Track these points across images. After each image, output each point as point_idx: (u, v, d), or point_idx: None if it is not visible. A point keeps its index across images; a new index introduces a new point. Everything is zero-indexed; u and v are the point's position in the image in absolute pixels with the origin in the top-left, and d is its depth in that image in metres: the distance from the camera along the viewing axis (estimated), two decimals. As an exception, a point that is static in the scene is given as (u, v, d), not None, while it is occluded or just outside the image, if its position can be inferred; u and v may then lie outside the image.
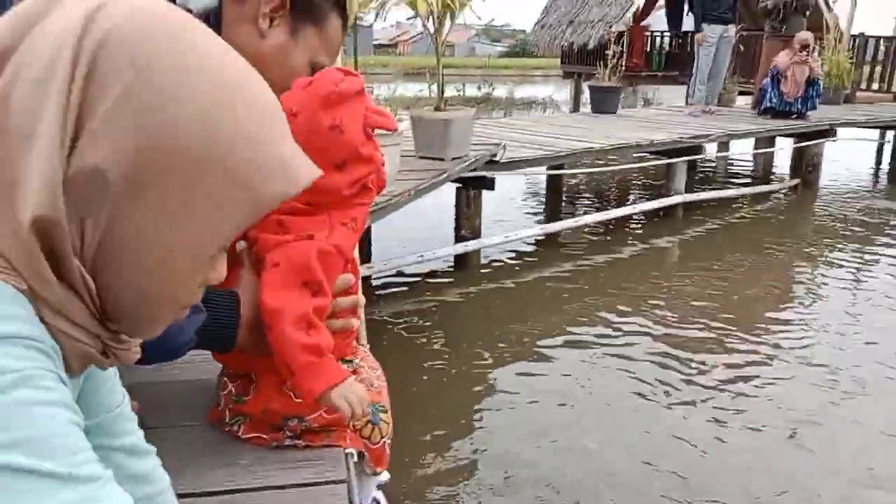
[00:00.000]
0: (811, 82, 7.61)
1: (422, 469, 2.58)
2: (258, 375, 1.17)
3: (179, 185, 0.48)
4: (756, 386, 3.25)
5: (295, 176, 0.53)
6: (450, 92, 15.15)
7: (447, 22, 3.91)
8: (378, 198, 3.23)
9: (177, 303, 0.56)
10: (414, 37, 47.51)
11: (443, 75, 4.20)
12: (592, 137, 5.97)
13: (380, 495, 1.34)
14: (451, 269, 4.84)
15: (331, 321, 1.15)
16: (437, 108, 4.15)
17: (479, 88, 17.33)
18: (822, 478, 2.55)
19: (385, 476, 1.31)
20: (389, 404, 1.28)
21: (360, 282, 1.27)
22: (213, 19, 1.17)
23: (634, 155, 6.61)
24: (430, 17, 3.77)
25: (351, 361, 1.25)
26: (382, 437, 1.22)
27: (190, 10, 1.17)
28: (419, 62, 30.74)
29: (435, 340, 3.74)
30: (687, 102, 8.68)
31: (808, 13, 8.10)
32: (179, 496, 1.06)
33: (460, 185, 4.76)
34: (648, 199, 6.39)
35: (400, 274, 4.64)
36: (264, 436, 1.18)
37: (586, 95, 14.06)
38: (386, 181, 1.18)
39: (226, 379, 1.22)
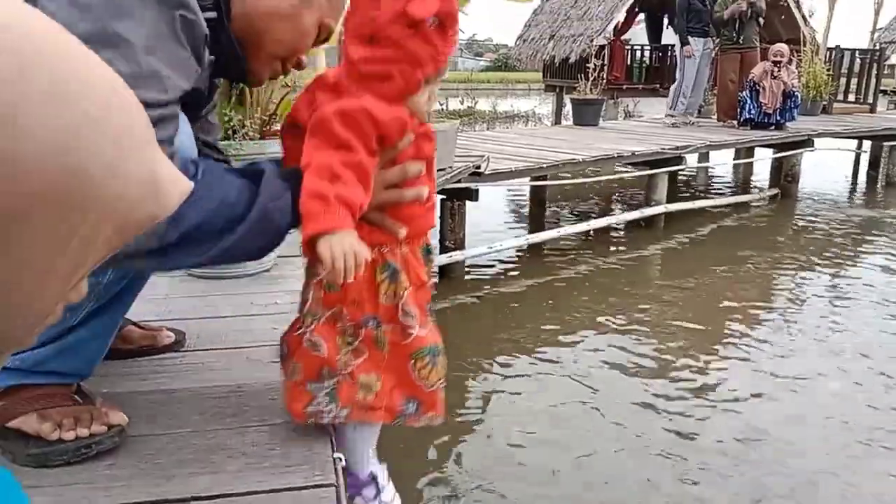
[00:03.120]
0: (789, 94, 7.73)
1: (407, 481, 2.58)
2: None
3: (36, 232, 0.41)
4: (730, 393, 3.29)
5: (165, 197, 0.47)
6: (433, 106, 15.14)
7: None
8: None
9: (32, 330, 0.49)
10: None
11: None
12: (575, 149, 6.03)
13: (380, 470, 1.34)
14: (436, 280, 4.86)
15: (401, 191, 1.16)
16: (421, 121, 4.17)
17: (461, 102, 17.39)
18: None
19: (439, 419, 1.27)
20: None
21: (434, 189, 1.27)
22: (222, 5, 1.19)
23: (616, 166, 6.67)
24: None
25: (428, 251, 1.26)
26: (439, 379, 1.21)
27: None
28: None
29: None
30: (668, 114, 8.78)
31: (761, 22, 8.25)
32: (167, 501, 1.07)
33: (444, 197, 4.79)
34: (630, 210, 6.45)
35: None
36: (324, 345, 1.17)
37: (568, 108, 14.21)
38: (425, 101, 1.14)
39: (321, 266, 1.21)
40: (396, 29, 1.05)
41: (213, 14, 1.15)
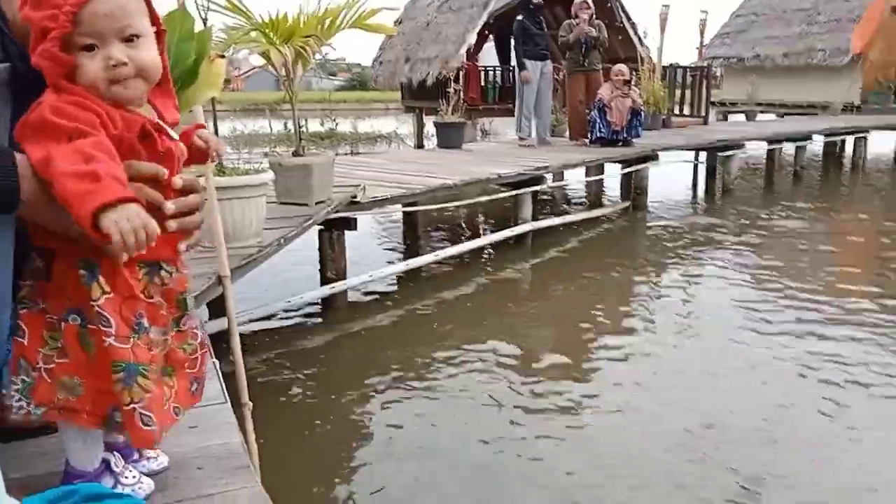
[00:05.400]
0: (635, 112, 8.32)
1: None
2: (57, 254, 1.10)
3: None
4: (600, 399, 3.52)
5: None
6: (292, 128, 14.98)
7: (299, 69, 3.96)
8: (248, 250, 3.20)
9: None
10: (247, 72, 46.56)
11: (298, 120, 4.23)
12: (444, 173, 6.19)
13: (112, 456, 1.24)
14: (319, 312, 4.83)
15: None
16: (296, 154, 4.16)
17: (322, 124, 17.29)
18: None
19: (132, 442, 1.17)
20: (161, 371, 1.16)
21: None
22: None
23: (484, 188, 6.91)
24: (284, 67, 3.80)
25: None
26: (132, 402, 1.09)
27: None
28: (256, 97, 30.25)
29: (308, 384, 3.72)
30: (518, 136, 9.17)
31: (602, 49, 8.90)
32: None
33: (322, 227, 4.77)
34: (499, 230, 6.69)
35: (268, 320, 4.57)
36: (27, 333, 1.10)
37: (428, 129, 14.50)
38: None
39: (34, 252, 1.12)
40: (23, 10, 1.04)
41: None
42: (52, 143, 0.99)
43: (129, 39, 1.06)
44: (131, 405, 1.09)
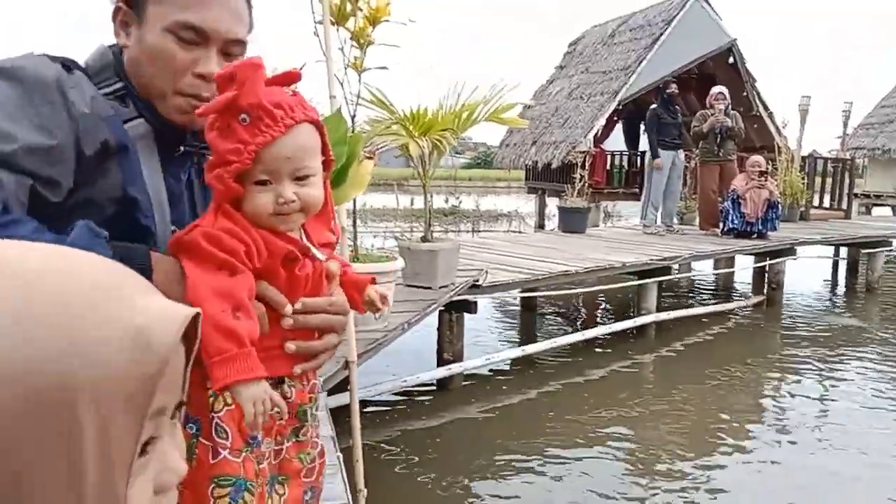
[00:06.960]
0: (771, 205, 8.02)
1: None
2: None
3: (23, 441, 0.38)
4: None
5: (151, 344, 0.43)
6: (418, 204, 15.43)
7: (434, 160, 4.12)
8: (374, 334, 3.30)
9: None
10: (379, 147, 48.78)
11: (430, 211, 4.38)
12: (566, 259, 6.17)
13: None
14: (434, 392, 4.86)
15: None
16: (424, 239, 4.30)
17: (446, 201, 17.77)
18: None
19: None
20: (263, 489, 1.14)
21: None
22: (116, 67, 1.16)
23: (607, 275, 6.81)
24: (421, 159, 3.98)
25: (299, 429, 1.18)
26: None
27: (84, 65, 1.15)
28: (386, 173, 31.65)
29: (420, 465, 3.72)
30: (643, 223, 8.99)
31: (736, 140, 8.64)
32: None
33: (442, 309, 4.85)
34: (618, 318, 6.54)
35: (384, 399, 4.64)
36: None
37: (549, 209, 14.56)
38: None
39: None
40: (209, 134, 1.07)
41: (119, 84, 1.15)
42: (200, 270, 1.03)
43: (301, 178, 1.09)
44: None
